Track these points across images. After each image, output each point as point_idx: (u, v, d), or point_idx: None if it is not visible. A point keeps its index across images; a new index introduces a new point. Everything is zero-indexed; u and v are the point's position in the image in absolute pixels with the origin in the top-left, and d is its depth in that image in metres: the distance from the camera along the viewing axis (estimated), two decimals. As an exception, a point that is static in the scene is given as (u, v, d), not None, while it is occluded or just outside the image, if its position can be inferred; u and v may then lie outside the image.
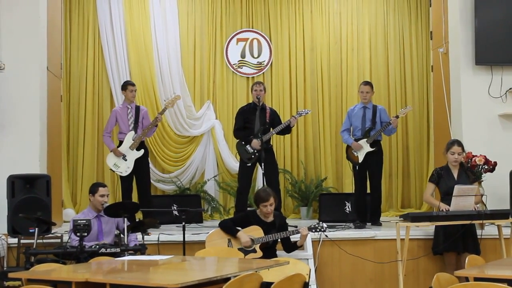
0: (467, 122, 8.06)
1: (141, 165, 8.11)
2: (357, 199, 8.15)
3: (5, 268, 6.56)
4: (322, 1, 10.49)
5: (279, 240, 6.33)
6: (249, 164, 7.95)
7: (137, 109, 8.24)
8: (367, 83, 8.27)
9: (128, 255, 5.77)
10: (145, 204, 7.96)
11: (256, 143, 7.83)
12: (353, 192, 8.29)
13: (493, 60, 8.04)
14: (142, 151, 8.07)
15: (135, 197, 8.44)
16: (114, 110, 8.38)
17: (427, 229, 6.98)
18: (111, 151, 8.09)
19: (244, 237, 6.18)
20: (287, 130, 8.05)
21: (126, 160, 8.00)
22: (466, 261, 4.96)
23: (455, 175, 6.72)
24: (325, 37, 10.45)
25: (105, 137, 8.24)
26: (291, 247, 6.41)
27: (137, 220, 7.19)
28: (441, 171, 6.78)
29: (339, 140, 9.83)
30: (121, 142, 8.12)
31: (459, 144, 6.76)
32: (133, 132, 8.08)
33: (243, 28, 10.39)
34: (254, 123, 7.97)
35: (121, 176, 8.13)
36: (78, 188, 9.90)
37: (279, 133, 8.07)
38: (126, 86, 8.27)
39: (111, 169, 8.18)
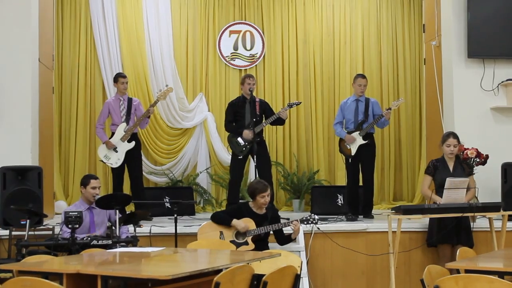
0: (459, 115, 8.08)
1: (133, 157, 8.10)
2: (349, 191, 8.15)
3: (-4, 260, 6.55)
4: (315, -7, 10.50)
5: (271, 232, 6.34)
6: (241, 157, 7.94)
7: (130, 101, 8.24)
8: (364, 76, 8.27)
9: (119, 247, 5.76)
10: (138, 196, 7.96)
11: (247, 133, 7.80)
12: (345, 184, 8.29)
13: (485, 53, 8.06)
14: (133, 143, 8.05)
15: (127, 189, 8.44)
16: (107, 102, 8.38)
17: (419, 221, 7.00)
18: (103, 143, 8.08)
19: (240, 223, 6.18)
20: (280, 121, 8.01)
21: (117, 151, 7.99)
22: (457, 253, 4.98)
23: (451, 168, 6.73)
24: (318, 30, 10.44)
25: (97, 129, 8.23)
26: (284, 239, 6.42)
27: (127, 212, 7.17)
28: (437, 163, 6.79)
29: (331, 132, 9.84)
30: (113, 134, 8.12)
31: (455, 136, 6.78)
32: (125, 123, 8.07)
33: (235, 20, 10.37)
34: (244, 116, 7.95)
35: (112, 168, 8.12)
36: (70, 180, 9.88)
37: (272, 124, 8.03)
38: (117, 78, 8.28)
39: (101, 161, 8.17)
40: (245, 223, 6.20)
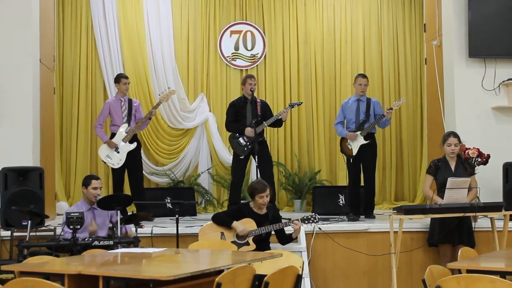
0: (461, 114, 8.08)
1: (133, 158, 8.09)
2: (351, 191, 8.14)
3: (-3, 261, 6.54)
4: (316, -7, 10.50)
5: (272, 232, 6.34)
6: (242, 157, 7.94)
7: (130, 102, 8.24)
8: (365, 76, 8.26)
9: (121, 248, 5.76)
10: (138, 197, 7.95)
11: (249, 131, 7.80)
12: (347, 185, 8.29)
13: (486, 53, 8.05)
14: (135, 144, 8.05)
15: (126, 190, 8.44)
16: (108, 102, 8.36)
17: (420, 221, 6.99)
18: (104, 143, 8.07)
19: (239, 226, 6.18)
20: (278, 123, 8.01)
21: (118, 152, 7.99)
22: (459, 253, 4.97)
23: (453, 167, 6.72)
24: (318, 30, 10.44)
25: (97, 129, 8.22)
26: (285, 239, 6.41)
27: (128, 213, 7.18)
28: (439, 162, 6.78)
29: (332, 132, 9.84)
30: (113, 134, 8.11)
31: (455, 135, 6.77)
32: (126, 124, 8.07)
33: (236, 21, 10.37)
34: (246, 116, 7.96)
35: (112, 169, 8.11)
36: (71, 181, 9.88)
37: (270, 125, 8.02)
38: (119, 78, 8.26)
39: (103, 161, 8.16)
40: (245, 226, 6.20)
